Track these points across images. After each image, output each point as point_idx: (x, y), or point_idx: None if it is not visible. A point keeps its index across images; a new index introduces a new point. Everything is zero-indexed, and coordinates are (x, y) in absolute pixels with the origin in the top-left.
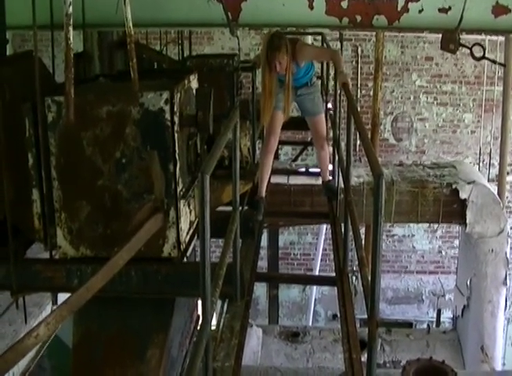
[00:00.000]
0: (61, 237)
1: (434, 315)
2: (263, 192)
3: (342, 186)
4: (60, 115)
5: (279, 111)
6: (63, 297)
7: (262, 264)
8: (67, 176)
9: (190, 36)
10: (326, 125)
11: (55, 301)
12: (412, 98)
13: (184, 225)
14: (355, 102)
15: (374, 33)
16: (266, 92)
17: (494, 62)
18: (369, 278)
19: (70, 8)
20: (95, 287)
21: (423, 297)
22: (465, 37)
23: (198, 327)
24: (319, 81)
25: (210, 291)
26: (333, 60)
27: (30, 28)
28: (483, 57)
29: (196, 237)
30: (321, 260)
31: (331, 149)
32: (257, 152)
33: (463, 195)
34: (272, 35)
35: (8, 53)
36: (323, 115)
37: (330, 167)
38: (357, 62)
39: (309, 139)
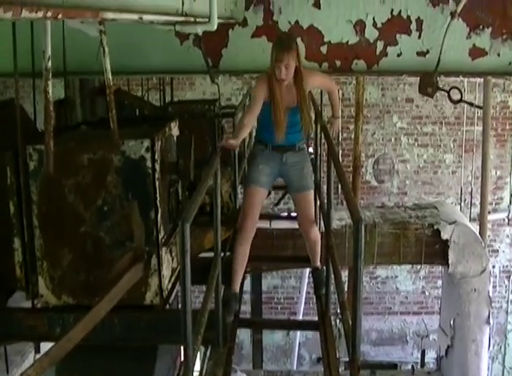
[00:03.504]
0: (43, 286)
1: (419, 355)
2: (237, 287)
3: (323, 229)
4: (42, 163)
5: (259, 188)
6: (45, 345)
7: (246, 308)
8: (49, 224)
9: (172, 82)
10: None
11: (37, 350)
12: (393, 140)
13: (166, 272)
14: (335, 147)
15: (354, 76)
16: (278, 103)
17: (471, 104)
18: (351, 322)
19: (49, 62)
20: (76, 337)
21: (407, 338)
22: (444, 79)
23: (181, 374)
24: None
25: (192, 339)
26: (332, 93)
27: (12, 75)
28: (460, 100)
29: (178, 283)
30: (305, 303)
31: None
32: (240, 196)
33: (444, 235)
34: (281, 35)
35: None
36: (312, 192)
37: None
38: None
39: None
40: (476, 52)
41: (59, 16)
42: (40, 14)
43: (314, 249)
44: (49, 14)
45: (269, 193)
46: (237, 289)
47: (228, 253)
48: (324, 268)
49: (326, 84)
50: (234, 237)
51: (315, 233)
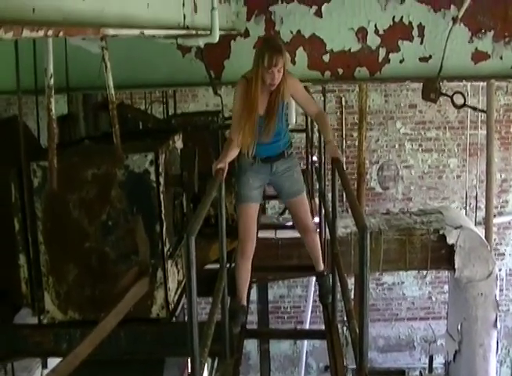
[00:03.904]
0: (49, 301)
1: (427, 361)
2: (244, 299)
3: (329, 237)
4: (46, 180)
5: (252, 204)
6: (52, 360)
7: (252, 318)
8: (54, 240)
9: (175, 95)
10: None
11: (44, 365)
12: (397, 146)
13: (172, 285)
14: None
15: (357, 84)
16: (252, 110)
17: (475, 109)
18: (358, 331)
19: (52, 80)
20: (83, 353)
21: (415, 343)
22: (447, 84)
23: None
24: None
25: (198, 351)
26: (318, 118)
27: (15, 93)
28: (464, 105)
29: (184, 296)
30: (311, 312)
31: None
32: None
33: (450, 240)
34: (267, 37)
35: None
36: (305, 195)
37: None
38: (341, 112)
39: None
40: (478, 56)
41: (61, 34)
42: (41, 33)
43: (314, 252)
44: (50, 33)
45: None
46: (244, 302)
47: (233, 264)
48: (330, 275)
49: (306, 98)
50: (235, 252)
51: (313, 237)
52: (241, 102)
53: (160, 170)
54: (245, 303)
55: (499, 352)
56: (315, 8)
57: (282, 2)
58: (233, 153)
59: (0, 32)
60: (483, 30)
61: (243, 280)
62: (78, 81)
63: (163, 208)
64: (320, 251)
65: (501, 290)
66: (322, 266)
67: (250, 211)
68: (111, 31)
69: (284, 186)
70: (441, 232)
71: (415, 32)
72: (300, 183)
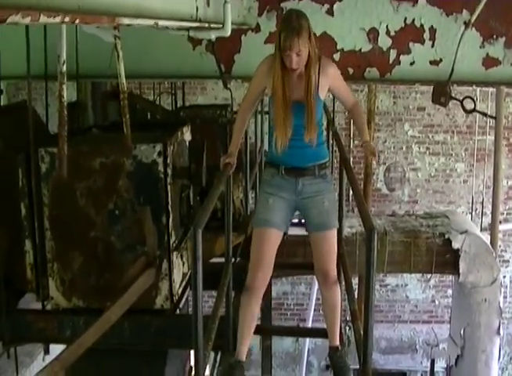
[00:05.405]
0: (53, 288)
1: (428, 365)
2: (243, 353)
3: None
4: (53, 166)
5: (269, 229)
6: (55, 346)
7: None
8: (60, 227)
9: (183, 86)
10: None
11: (47, 351)
12: (404, 148)
13: (177, 277)
14: (346, 154)
15: (367, 84)
16: (282, 96)
17: (485, 114)
18: (362, 332)
19: (64, 66)
20: (86, 342)
21: (417, 346)
22: (456, 88)
23: None
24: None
25: (202, 345)
26: (355, 112)
27: (25, 78)
28: (474, 110)
29: (189, 288)
30: (314, 310)
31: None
32: (251, 202)
33: (455, 245)
34: (289, 12)
35: (2, 102)
36: (335, 232)
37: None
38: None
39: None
40: (489, 62)
41: (77, 21)
42: (58, 19)
43: (332, 317)
44: (67, 19)
45: (285, 234)
46: (243, 356)
47: (238, 259)
48: (345, 349)
49: (346, 90)
50: (242, 290)
51: (334, 291)
52: (257, 79)
53: (168, 161)
54: (243, 358)
55: (501, 358)
56: (327, 6)
57: None
58: (239, 136)
59: (18, 17)
60: (495, 36)
61: (246, 327)
62: (87, 69)
63: (170, 200)
64: (339, 320)
65: (505, 297)
66: (337, 342)
67: (263, 237)
68: (126, 21)
69: (311, 213)
70: (446, 236)
71: (426, 35)
72: (331, 215)
